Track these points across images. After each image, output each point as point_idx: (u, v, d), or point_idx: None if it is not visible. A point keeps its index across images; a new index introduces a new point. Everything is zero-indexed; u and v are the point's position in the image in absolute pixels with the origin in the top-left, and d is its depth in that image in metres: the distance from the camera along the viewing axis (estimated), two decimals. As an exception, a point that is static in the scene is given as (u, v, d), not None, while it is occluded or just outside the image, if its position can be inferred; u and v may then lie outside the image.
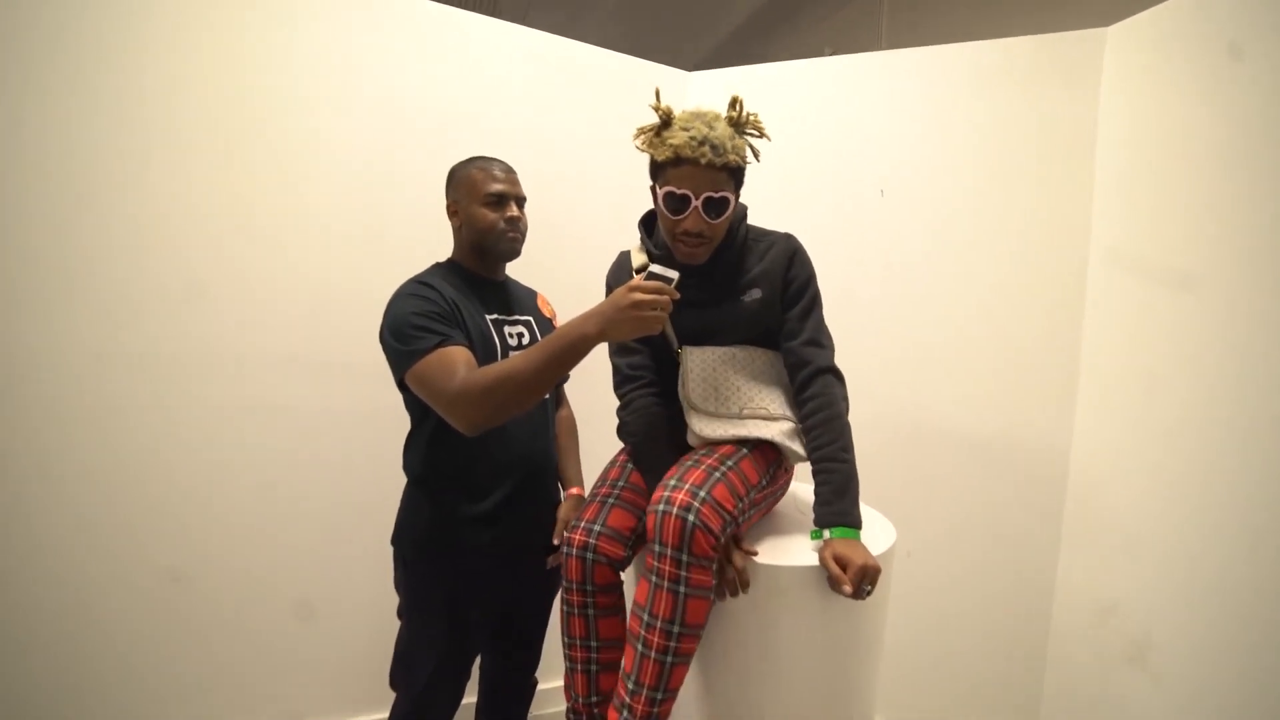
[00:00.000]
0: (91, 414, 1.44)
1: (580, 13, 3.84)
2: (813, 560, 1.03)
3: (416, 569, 1.22)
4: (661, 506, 0.96)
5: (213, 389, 1.53)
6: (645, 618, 0.98)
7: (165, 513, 1.51)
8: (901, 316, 1.86)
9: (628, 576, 1.18)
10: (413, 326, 1.09)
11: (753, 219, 1.20)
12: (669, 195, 1.06)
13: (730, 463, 1.04)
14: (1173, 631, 1.47)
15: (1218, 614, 1.38)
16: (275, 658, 1.64)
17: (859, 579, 0.96)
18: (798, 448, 1.11)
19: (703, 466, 1.01)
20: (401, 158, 1.68)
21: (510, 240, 1.24)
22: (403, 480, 1.26)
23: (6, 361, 1.38)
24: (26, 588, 1.42)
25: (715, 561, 0.98)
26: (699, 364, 1.14)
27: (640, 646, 0.98)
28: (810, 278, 1.17)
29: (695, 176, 1.03)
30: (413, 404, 1.20)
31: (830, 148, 1.91)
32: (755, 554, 1.05)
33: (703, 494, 0.96)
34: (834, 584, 0.97)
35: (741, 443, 1.09)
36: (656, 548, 0.97)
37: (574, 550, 1.08)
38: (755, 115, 1.09)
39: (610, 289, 1.23)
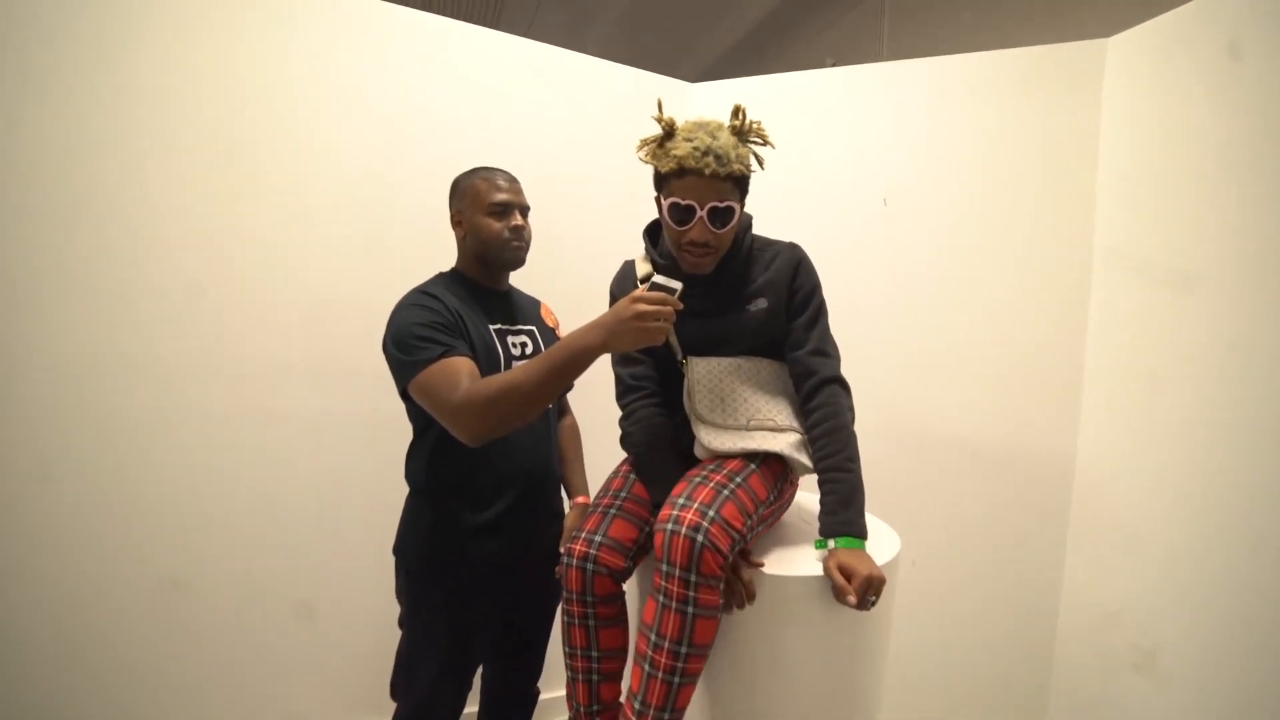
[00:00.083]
0: (92, 418, 1.44)
1: (582, 25, 3.87)
2: (818, 570, 1.02)
3: (419, 578, 1.22)
4: (670, 526, 0.95)
5: (214, 393, 1.53)
6: (653, 638, 0.97)
7: (166, 516, 1.51)
8: (906, 324, 1.86)
9: (629, 586, 1.18)
10: (416, 337, 1.09)
11: (757, 229, 1.20)
12: (674, 206, 1.05)
13: (739, 479, 1.03)
14: (1177, 634, 1.47)
15: (1222, 616, 1.38)
16: (275, 662, 1.64)
17: (864, 590, 0.95)
18: (805, 460, 1.10)
19: (711, 484, 1.01)
20: (404, 167, 1.69)
21: (514, 250, 1.24)
22: (403, 486, 1.25)
23: (6, 364, 1.38)
24: (26, 590, 1.41)
25: (723, 580, 0.97)
26: (704, 375, 1.14)
27: (647, 666, 0.97)
28: (815, 287, 1.16)
29: (699, 187, 1.03)
30: (416, 414, 1.20)
31: (833, 157, 1.92)
32: (762, 565, 1.05)
33: (711, 513, 0.95)
34: (839, 595, 0.96)
35: (749, 457, 1.09)
36: (664, 567, 0.96)
37: (574, 561, 1.07)
38: (758, 123, 1.09)
39: (614, 299, 1.23)
